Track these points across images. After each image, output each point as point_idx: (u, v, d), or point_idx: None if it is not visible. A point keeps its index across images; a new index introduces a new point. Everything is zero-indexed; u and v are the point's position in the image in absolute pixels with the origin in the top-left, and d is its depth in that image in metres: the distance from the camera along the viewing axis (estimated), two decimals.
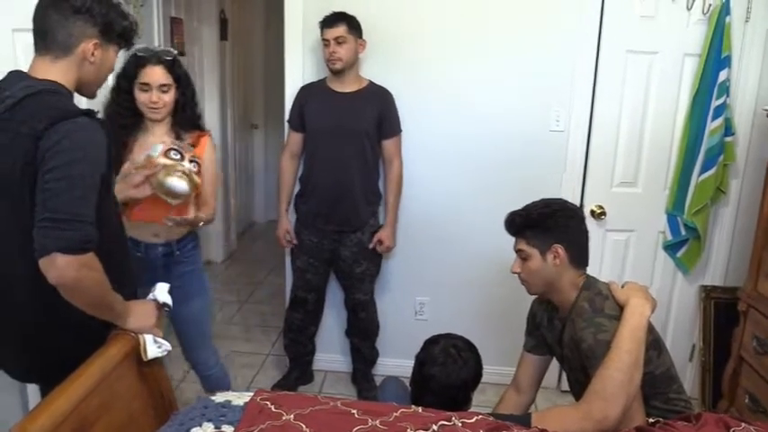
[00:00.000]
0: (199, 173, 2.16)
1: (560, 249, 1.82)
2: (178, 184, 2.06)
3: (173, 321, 2.35)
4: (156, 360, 1.71)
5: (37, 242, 1.38)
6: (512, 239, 1.93)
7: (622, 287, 1.80)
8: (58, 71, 1.54)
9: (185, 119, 2.26)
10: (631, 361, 1.58)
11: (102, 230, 1.47)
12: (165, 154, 2.07)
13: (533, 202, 1.92)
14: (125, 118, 2.17)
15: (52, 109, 1.45)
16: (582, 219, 1.93)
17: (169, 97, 2.18)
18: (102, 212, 1.49)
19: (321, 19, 2.74)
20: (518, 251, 1.89)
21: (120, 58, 2.69)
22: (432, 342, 1.96)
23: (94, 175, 1.45)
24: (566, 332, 1.86)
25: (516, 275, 1.94)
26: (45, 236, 1.37)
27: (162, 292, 1.80)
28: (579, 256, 1.87)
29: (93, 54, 1.56)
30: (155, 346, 1.70)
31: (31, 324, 1.58)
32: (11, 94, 1.47)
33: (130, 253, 1.87)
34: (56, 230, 1.37)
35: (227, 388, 2.51)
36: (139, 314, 1.67)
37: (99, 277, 1.48)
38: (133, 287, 1.77)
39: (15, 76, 1.55)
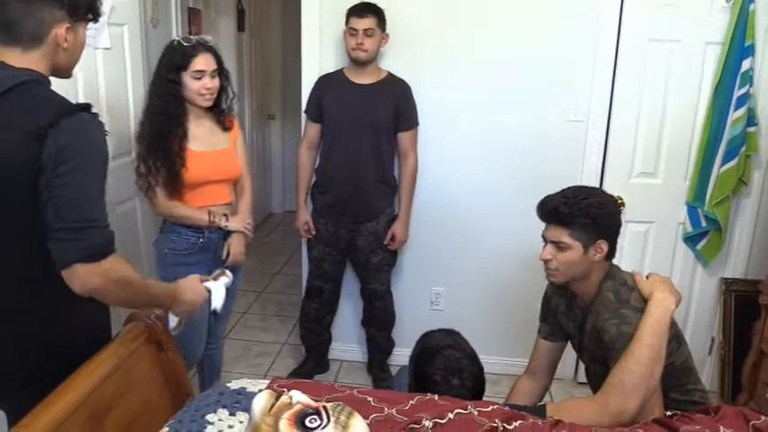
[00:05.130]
0: None
1: (604, 245, 1.76)
2: None
3: None
4: (172, 346, 1.72)
5: (55, 254, 1.32)
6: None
7: (646, 278, 1.77)
8: (30, 62, 1.40)
9: (228, 102, 2.34)
10: (652, 355, 1.56)
11: None
12: (298, 422, 1.32)
13: (572, 190, 1.80)
14: (176, 107, 2.19)
15: (49, 103, 1.36)
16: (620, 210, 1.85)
17: (218, 82, 2.24)
18: None
19: (350, 7, 2.72)
20: (556, 242, 1.78)
21: (153, 47, 2.76)
22: (431, 352, 1.80)
23: (104, 176, 1.40)
24: (588, 322, 1.83)
25: (539, 262, 1.86)
26: (63, 248, 1.32)
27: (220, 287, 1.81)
28: (615, 249, 1.82)
29: (66, 39, 1.42)
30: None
31: (23, 333, 1.47)
32: None
33: None
34: (73, 241, 1.31)
35: (221, 363, 2.67)
36: (190, 291, 1.69)
37: (128, 277, 1.42)
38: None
39: None
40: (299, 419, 1.31)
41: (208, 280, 1.79)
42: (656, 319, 1.61)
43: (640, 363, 1.55)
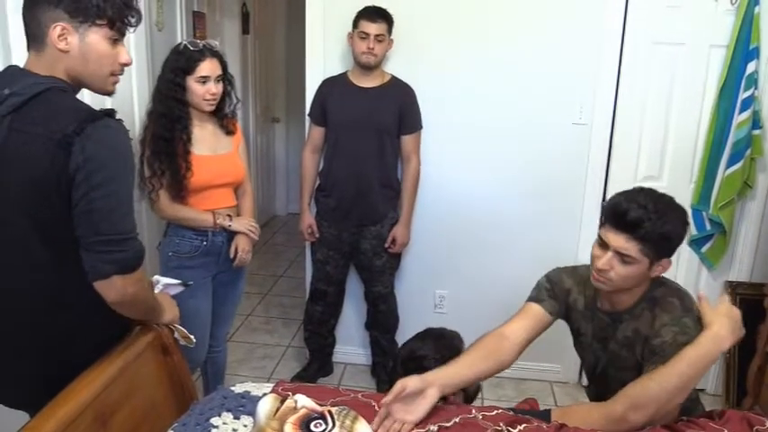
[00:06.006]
0: None
1: (667, 263, 1.61)
2: None
3: (213, 297, 2.42)
4: (177, 350, 1.73)
5: (90, 266, 1.34)
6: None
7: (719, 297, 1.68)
8: (44, 67, 1.35)
9: (231, 107, 2.35)
10: (680, 384, 1.49)
11: None
12: (303, 426, 1.34)
13: (653, 203, 1.56)
14: (180, 111, 2.20)
15: (72, 110, 1.32)
16: None
17: (222, 87, 2.25)
18: None
19: (360, 10, 2.71)
20: (622, 254, 1.56)
21: (158, 50, 2.77)
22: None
23: (133, 184, 1.42)
24: (620, 330, 1.70)
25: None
26: (101, 260, 1.33)
27: (169, 282, 1.82)
28: None
29: (66, 42, 1.33)
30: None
31: (48, 341, 1.46)
32: (15, 92, 1.31)
33: None
34: (111, 253, 1.33)
35: (224, 366, 2.68)
36: (169, 306, 1.70)
37: (147, 284, 1.49)
38: None
39: (15, 72, 1.39)
40: (304, 424, 1.33)
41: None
42: (701, 354, 1.50)
43: (663, 387, 1.48)
